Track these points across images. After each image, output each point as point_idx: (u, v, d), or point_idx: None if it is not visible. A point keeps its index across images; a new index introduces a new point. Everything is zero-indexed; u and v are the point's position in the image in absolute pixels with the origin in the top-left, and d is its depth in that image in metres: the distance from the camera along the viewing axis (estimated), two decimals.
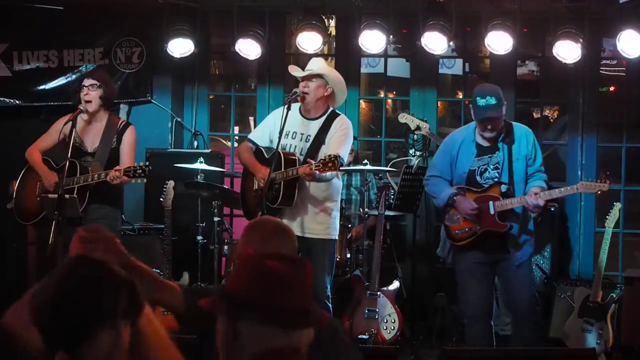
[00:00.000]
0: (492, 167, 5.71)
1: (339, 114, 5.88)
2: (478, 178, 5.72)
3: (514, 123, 5.88)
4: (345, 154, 5.72)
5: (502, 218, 5.65)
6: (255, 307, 2.03)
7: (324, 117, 5.81)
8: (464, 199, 5.69)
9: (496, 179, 5.69)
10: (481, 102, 5.60)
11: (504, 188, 5.65)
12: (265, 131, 5.95)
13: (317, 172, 5.36)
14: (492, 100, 5.58)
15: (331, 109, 5.87)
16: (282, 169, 5.59)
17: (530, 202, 5.54)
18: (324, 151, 5.66)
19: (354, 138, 6.54)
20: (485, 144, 5.74)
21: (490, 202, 5.63)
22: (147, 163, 5.85)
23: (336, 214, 5.83)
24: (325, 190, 5.74)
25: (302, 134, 5.81)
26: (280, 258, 2.10)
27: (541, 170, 5.75)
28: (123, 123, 6.23)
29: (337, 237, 5.87)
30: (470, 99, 8.68)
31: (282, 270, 2.07)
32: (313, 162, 5.43)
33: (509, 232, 5.66)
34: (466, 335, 5.87)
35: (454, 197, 5.72)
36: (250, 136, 6.08)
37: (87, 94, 6.03)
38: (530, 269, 6.03)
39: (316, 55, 7.09)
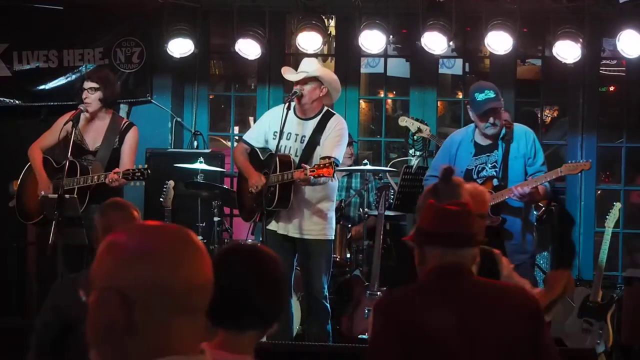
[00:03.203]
0: (489, 165, 5.73)
1: (334, 114, 5.87)
2: (475, 177, 5.73)
3: (515, 123, 5.91)
4: (340, 155, 5.71)
5: (496, 212, 5.65)
6: (437, 235, 2.93)
7: (318, 117, 5.80)
8: None
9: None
10: (480, 96, 5.64)
11: (495, 182, 5.67)
12: (260, 132, 5.95)
13: (312, 177, 5.35)
14: (491, 94, 5.63)
15: (326, 108, 5.86)
16: (278, 172, 5.59)
17: (516, 192, 5.55)
18: (319, 152, 5.66)
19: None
20: (484, 143, 5.75)
21: None
22: (146, 166, 5.85)
23: (332, 214, 5.83)
24: (321, 191, 5.74)
25: (297, 134, 5.80)
26: (453, 203, 2.99)
27: (542, 170, 5.74)
28: (126, 123, 6.22)
29: (333, 237, 5.87)
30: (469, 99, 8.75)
31: (455, 208, 2.96)
32: (308, 167, 5.41)
33: (503, 227, 5.66)
34: None
35: None
36: (244, 137, 6.08)
37: (86, 97, 6.03)
38: (530, 270, 5.89)
39: (316, 55, 7.10)
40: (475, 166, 5.75)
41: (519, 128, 5.81)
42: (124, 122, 6.22)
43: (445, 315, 2.88)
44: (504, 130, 5.72)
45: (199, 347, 1.56)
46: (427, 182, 5.96)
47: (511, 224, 5.68)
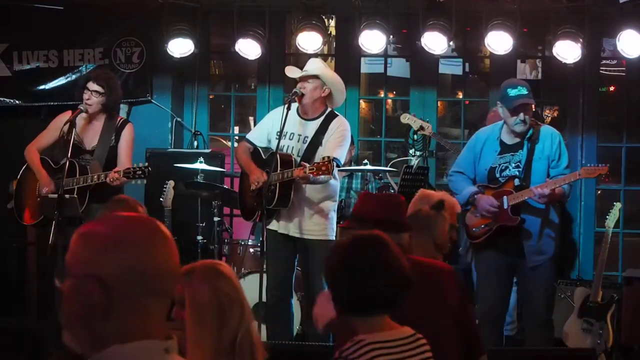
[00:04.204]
0: (513, 165, 5.69)
1: (337, 115, 5.87)
2: (497, 175, 5.71)
3: (543, 124, 5.88)
4: (342, 156, 5.71)
5: (515, 212, 5.63)
6: (385, 222, 3.26)
7: (321, 118, 5.80)
8: (484, 197, 5.67)
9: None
10: (513, 92, 5.61)
11: (517, 182, 5.64)
12: (263, 131, 5.95)
13: (311, 175, 5.35)
14: (524, 90, 5.61)
15: (329, 109, 5.86)
16: (278, 171, 5.59)
17: (536, 192, 5.53)
18: (321, 153, 5.66)
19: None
20: (510, 142, 5.72)
21: (504, 197, 5.63)
22: (147, 164, 5.84)
23: (333, 215, 5.83)
24: (322, 191, 5.73)
25: (299, 134, 5.80)
26: (390, 194, 3.64)
27: (565, 174, 5.70)
28: (121, 120, 6.20)
29: (334, 238, 5.87)
30: (469, 99, 8.76)
31: (396, 198, 3.50)
32: (307, 165, 5.42)
33: (523, 227, 5.64)
34: None
35: (475, 196, 5.71)
36: (248, 136, 6.09)
37: (89, 98, 6.00)
38: (547, 272, 5.77)
39: (316, 55, 7.10)
40: (499, 164, 5.72)
41: (545, 129, 5.78)
42: (119, 119, 6.20)
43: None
44: (531, 131, 5.70)
45: (167, 331, 1.68)
46: (451, 178, 5.95)
47: (531, 224, 5.63)
